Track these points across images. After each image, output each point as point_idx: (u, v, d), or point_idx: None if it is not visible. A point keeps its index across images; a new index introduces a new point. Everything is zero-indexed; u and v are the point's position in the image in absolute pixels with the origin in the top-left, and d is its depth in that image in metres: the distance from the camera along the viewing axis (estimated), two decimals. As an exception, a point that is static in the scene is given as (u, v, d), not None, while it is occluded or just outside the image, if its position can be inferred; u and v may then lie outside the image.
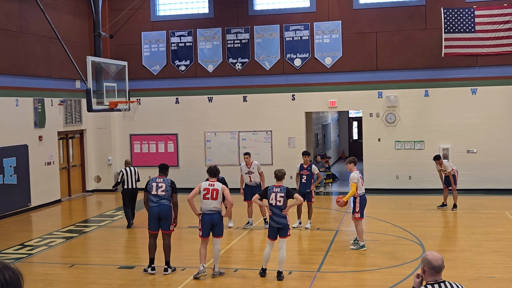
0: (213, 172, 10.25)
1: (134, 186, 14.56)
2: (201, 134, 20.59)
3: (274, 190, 9.90)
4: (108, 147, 20.72)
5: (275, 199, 9.82)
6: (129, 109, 15.70)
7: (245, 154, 14.63)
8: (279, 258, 9.82)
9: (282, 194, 9.82)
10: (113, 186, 15.83)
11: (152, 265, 10.36)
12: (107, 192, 20.10)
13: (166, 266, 10.34)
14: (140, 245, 12.46)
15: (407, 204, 17.27)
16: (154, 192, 10.24)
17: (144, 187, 10.62)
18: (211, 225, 10.04)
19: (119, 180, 14.68)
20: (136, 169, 14.93)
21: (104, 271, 10.78)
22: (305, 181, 13.91)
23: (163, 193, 10.24)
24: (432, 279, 4.60)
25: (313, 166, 14.07)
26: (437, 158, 15.87)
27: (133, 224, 14.53)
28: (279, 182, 10.10)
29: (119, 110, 15.24)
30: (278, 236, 9.88)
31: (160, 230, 10.34)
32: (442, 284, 4.57)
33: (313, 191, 14.05)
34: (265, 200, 10.16)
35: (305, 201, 13.47)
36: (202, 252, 10.14)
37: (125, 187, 14.51)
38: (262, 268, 10.01)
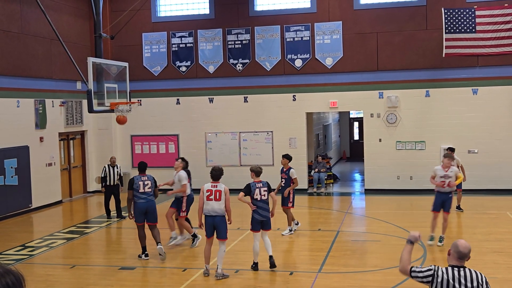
0: (216, 175, 10.25)
1: (113, 184, 15.77)
2: (202, 135, 20.58)
3: (257, 186, 10.50)
4: (109, 148, 20.72)
5: (260, 194, 10.43)
6: (130, 110, 15.72)
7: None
8: (266, 245, 10.41)
9: (265, 188, 10.50)
10: (102, 186, 16.21)
11: (146, 252, 11.34)
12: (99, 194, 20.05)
13: (159, 245, 11.21)
14: (138, 246, 12.44)
15: (408, 204, 17.25)
16: (141, 190, 11.21)
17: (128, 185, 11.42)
18: (213, 227, 10.01)
19: (102, 176, 15.98)
20: (118, 167, 16.07)
21: (105, 272, 10.78)
22: (283, 185, 13.37)
23: (150, 190, 11.29)
24: (455, 263, 4.97)
25: (292, 170, 13.24)
26: (451, 150, 15.07)
27: (124, 218, 15.41)
28: (258, 178, 10.65)
29: (120, 111, 15.25)
30: (261, 229, 10.43)
31: (146, 222, 11.33)
32: (462, 270, 4.92)
33: (290, 196, 13.22)
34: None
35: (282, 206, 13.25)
36: (205, 253, 10.16)
37: (106, 183, 15.78)
38: (254, 262, 10.34)
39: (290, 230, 13.33)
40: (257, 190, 10.44)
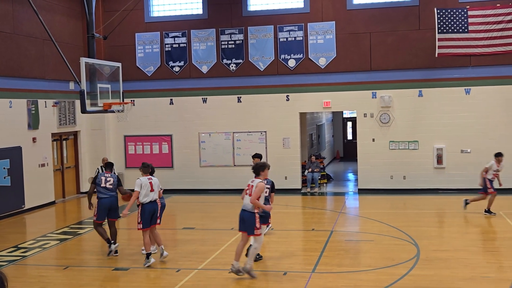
0: (254, 169, 10.14)
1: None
2: (196, 135, 20.57)
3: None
4: (103, 149, 20.66)
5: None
6: (123, 110, 15.69)
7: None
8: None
9: (268, 186, 10.91)
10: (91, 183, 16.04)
11: (112, 241, 11.72)
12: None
13: (113, 243, 11.73)
14: (134, 247, 12.43)
15: (401, 204, 17.30)
16: (103, 185, 11.65)
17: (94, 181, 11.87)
18: (243, 221, 9.90)
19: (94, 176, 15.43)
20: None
21: (99, 273, 10.76)
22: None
23: (111, 186, 11.71)
24: None
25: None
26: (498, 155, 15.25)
27: (120, 217, 15.29)
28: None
29: (113, 111, 15.23)
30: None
31: (107, 219, 11.79)
32: None
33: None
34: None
35: None
36: (237, 249, 10.05)
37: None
38: (258, 254, 10.78)
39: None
40: None
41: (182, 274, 10.31)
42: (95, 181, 11.76)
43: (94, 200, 11.87)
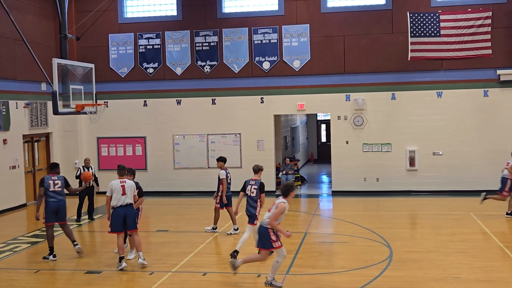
0: (285, 191, 9.56)
1: (89, 185, 15.53)
2: (170, 137, 20.46)
3: (250, 183, 11.69)
4: (75, 151, 20.45)
5: (250, 191, 11.63)
6: (96, 112, 15.54)
7: None
8: (242, 238, 11.18)
9: (256, 187, 11.58)
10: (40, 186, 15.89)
11: (54, 253, 11.67)
12: (74, 196, 19.76)
13: (75, 244, 11.87)
14: (107, 250, 12.31)
15: (375, 206, 17.44)
16: (52, 189, 11.57)
17: (41, 185, 11.68)
18: (259, 236, 9.52)
19: (76, 175, 15.94)
20: (93, 168, 16.21)
21: (71, 277, 10.63)
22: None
23: (60, 189, 11.67)
24: None
25: (220, 171, 13.52)
26: None
27: (94, 220, 15.71)
28: (255, 175, 11.82)
29: (85, 113, 15.08)
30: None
31: (56, 222, 11.77)
32: None
33: (218, 197, 13.50)
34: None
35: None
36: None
37: (82, 185, 15.31)
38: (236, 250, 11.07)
39: (214, 229, 13.76)
40: (249, 187, 11.67)
41: (155, 277, 10.24)
42: (43, 185, 11.58)
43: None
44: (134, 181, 11.28)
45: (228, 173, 13.62)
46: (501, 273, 10.02)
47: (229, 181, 13.56)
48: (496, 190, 15.22)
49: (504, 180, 14.87)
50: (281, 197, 9.47)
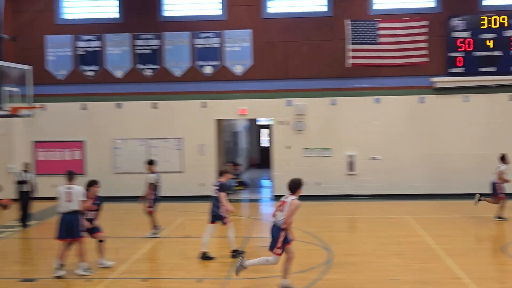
0: (293, 187, 9.67)
1: (26, 190, 15.22)
2: (110, 141, 20.10)
3: (214, 184, 11.87)
4: (8, 154, 19.78)
5: (213, 191, 11.72)
6: (33, 115, 15.12)
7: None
8: (230, 239, 11.67)
9: (216, 187, 11.70)
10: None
11: None
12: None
13: None
14: (41, 257, 11.97)
15: (315, 210, 17.63)
16: None
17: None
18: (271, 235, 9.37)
19: (18, 180, 15.39)
20: (31, 174, 15.62)
21: (5, 285, 10.25)
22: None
23: None
24: None
25: (148, 175, 13.68)
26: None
27: (27, 226, 15.17)
28: (220, 177, 11.91)
29: (21, 116, 14.66)
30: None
31: None
32: None
33: (150, 201, 13.65)
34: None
35: None
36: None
37: (23, 190, 15.19)
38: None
39: (155, 234, 13.65)
40: (213, 187, 11.86)
41: (93, 284, 10.02)
42: None
43: None
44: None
45: (159, 176, 13.68)
46: (435, 274, 10.31)
47: (158, 184, 13.59)
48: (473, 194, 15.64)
49: (494, 185, 15.09)
50: (290, 195, 9.49)
